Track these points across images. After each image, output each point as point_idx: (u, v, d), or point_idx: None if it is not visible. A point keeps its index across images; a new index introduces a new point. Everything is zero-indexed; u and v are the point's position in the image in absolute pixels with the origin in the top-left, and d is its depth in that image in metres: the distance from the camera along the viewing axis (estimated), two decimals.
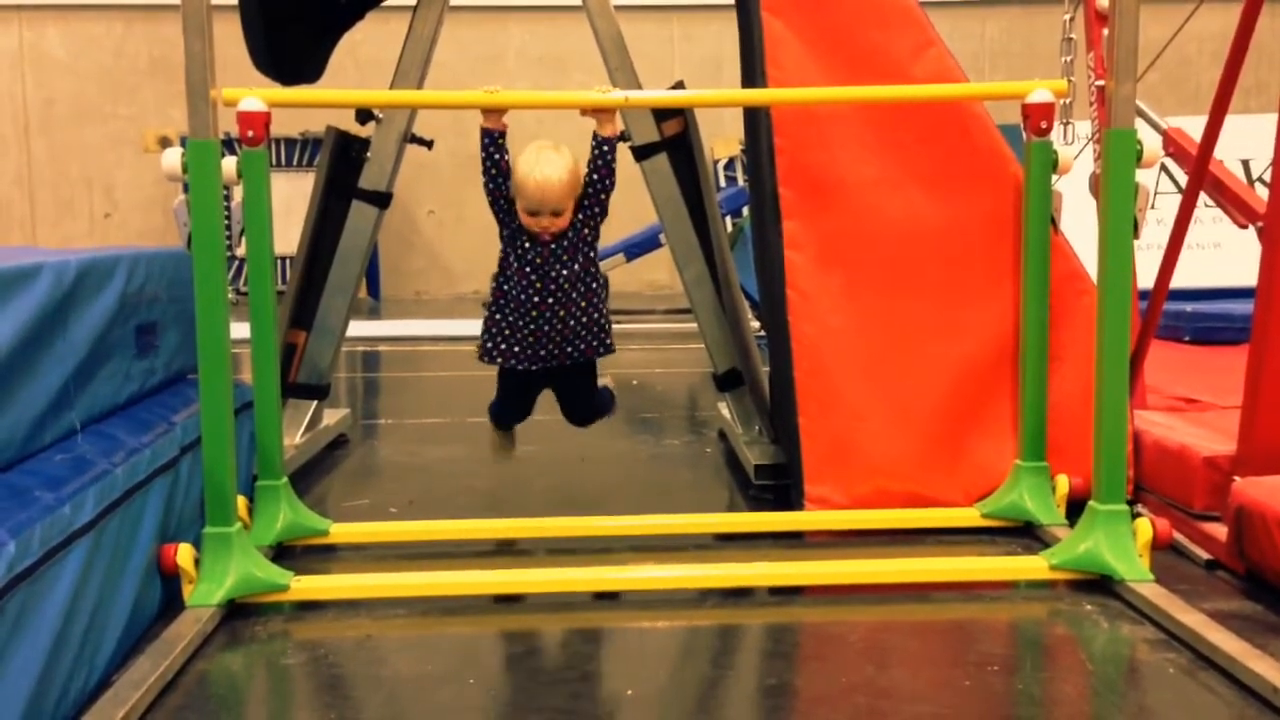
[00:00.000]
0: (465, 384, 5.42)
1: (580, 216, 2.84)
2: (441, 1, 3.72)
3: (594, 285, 2.91)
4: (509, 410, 3.15)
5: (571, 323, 2.89)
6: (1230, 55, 3.03)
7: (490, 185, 2.82)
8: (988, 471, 3.13)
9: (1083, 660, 2.32)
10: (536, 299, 2.84)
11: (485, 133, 2.80)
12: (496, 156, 2.81)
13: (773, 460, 3.44)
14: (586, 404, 3.13)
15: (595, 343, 2.95)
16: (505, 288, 2.89)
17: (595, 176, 2.82)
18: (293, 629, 2.46)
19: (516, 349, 2.90)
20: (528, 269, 2.84)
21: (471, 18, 9.88)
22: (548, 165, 2.76)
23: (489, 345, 2.93)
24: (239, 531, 2.54)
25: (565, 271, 2.84)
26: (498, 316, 2.91)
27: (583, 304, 2.89)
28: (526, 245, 2.82)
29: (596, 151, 2.82)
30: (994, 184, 3.15)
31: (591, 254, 2.89)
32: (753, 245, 3.73)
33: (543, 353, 2.91)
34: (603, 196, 2.85)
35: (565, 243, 2.83)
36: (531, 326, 2.87)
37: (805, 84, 3.16)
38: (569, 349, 2.92)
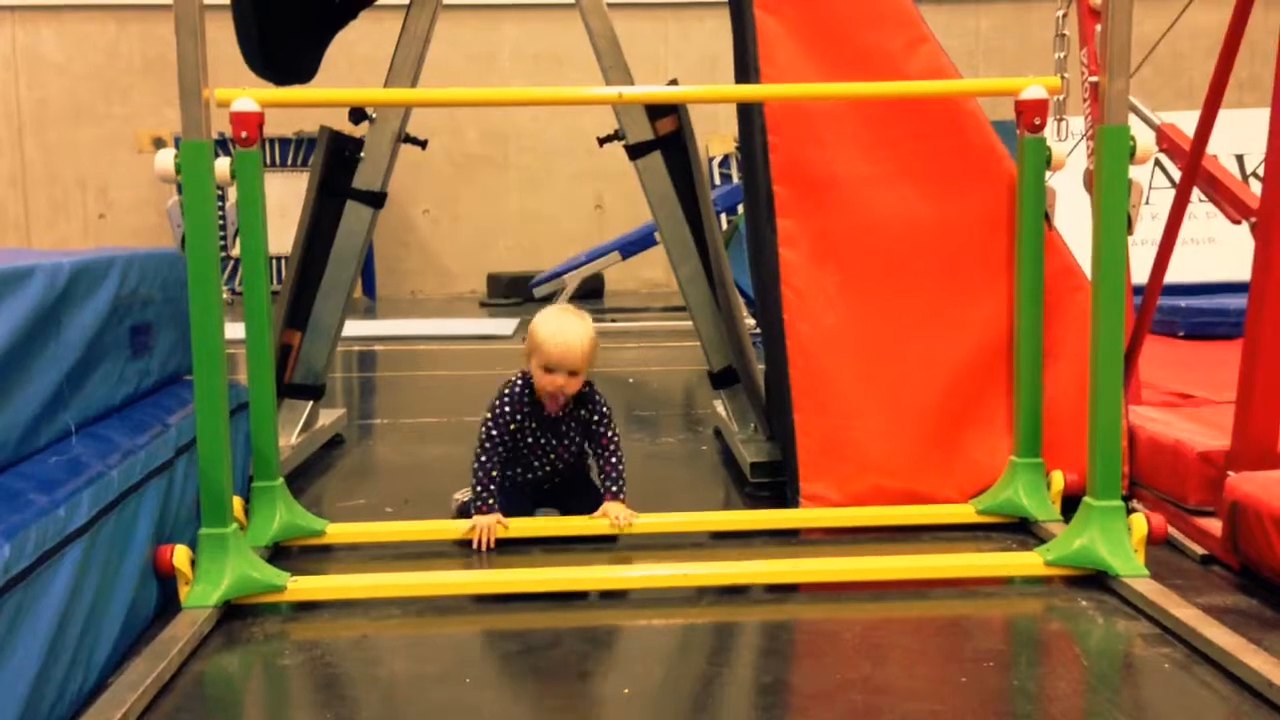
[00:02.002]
0: (461, 383, 5.43)
1: (582, 436, 3.03)
2: (435, 0, 3.72)
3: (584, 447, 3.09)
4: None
5: (570, 476, 3.09)
6: (1223, 50, 3.04)
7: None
8: (983, 468, 3.14)
9: (1078, 655, 2.32)
10: (551, 457, 3.02)
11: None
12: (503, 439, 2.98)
13: (768, 458, 3.44)
14: (589, 495, 3.12)
15: (591, 489, 3.12)
16: (513, 453, 2.99)
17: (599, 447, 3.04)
18: (289, 630, 2.46)
19: (518, 497, 3.03)
20: (539, 439, 2.98)
21: (465, 16, 9.88)
22: (571, 329, 2.88)
23: (491, 502, 2.94)
24: (235, 532, 2.54)
25: (573, 434, 3.01)
26: (494, 474, 2.94)
27: (578, 461, 3.09)
28: (540, 419, 2.96)
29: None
30: (988, 180, 3.16)
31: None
32: (747, 243, 3.74)
33: (545, 487, 3.08)
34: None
35: (574, 422, 3.00)
36: (536, 477, 3.05)
37: (799, 80, 3.16)
38: (570, 500, 3.09)
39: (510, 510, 2.99)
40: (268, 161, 9.32)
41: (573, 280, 8.52)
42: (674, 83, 3.71)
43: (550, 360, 2.85)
